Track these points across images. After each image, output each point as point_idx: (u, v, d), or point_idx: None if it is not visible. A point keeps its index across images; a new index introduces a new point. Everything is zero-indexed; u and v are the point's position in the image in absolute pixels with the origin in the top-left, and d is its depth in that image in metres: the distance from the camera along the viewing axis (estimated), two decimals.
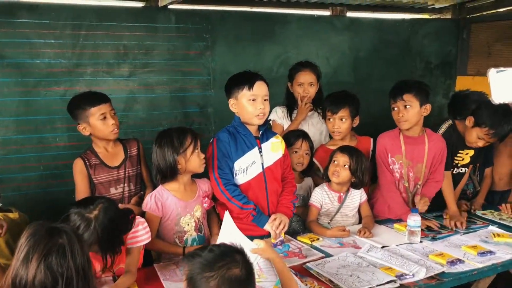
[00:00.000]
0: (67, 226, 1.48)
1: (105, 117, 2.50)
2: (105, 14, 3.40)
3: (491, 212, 3.06)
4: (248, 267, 1.47)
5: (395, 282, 2.06)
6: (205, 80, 3.79)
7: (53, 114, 3.30)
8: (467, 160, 3.09)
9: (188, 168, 2.35)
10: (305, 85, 3.17)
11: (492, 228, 2.76)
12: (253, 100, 2.43)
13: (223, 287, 1.39)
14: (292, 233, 2.72)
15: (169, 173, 2.33)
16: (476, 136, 2.87)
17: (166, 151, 2.30)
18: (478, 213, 3.04)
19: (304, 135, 2.92)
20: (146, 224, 2.19)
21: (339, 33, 4.30)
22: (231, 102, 2.50)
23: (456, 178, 3.09)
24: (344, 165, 2.71)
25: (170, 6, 3.59)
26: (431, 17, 5.03)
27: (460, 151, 3.05)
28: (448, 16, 4.93)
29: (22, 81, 3.22)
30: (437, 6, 4.86)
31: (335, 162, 2.73)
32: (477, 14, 4.75)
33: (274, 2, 4.18)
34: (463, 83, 4.72)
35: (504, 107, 2.81)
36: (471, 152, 3.07)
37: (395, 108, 2.82)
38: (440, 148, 2.90)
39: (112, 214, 1.96)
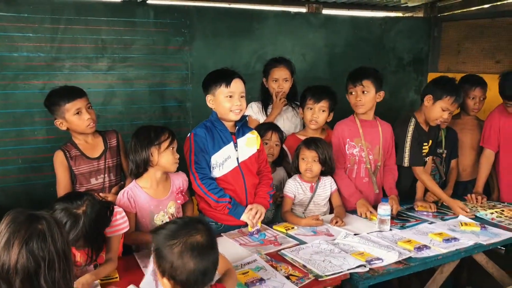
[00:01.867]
0: (46, 212, 1.52)
1: (80, 112, 2.54)
2: (84, 8, 3.42)
3: None
4: (210, 235, 1.57)
5: (365, 267, 2.17)
6: (183, 75, 3.85)
7: (32, 107, 3.31)
8: (427, 149, 3.24)
9: (160, 162, 2.37)
10: (280, 81, 3.27)
11: (462, 218, 2.89)
12: (230, 97, 2.51)
13: (185, 252, 1.49)
14: (267, 222, 2.82)
15: (142, 165, 2.37)
16: (441, 109, 3.03)
17: (142, 141, 2.34)
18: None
19: (274, 127, 3.03)
20: (124, 213, 2.24)
21: (315, 30, 4.39)
22: (209, 98, 2.58)
23: None
24: (314, 160, 2.82)
25: (148, 1, 3.64)
26: (404, 15, 5.18)
27: (424, 144, 3.19)
28: (420, 14, 5.08)
29: (0, 74, 3.22)
30: (410, 4, 5.01)
31: (304, 159, 2.83)
32: (448, 13, 4.91)
33: None
34: None
35: (447, 77, 3.17)
36: (430, 142, 3.22)
37: (353, 93, 2.98)
38: (390, 132, 3.13)
39: (97, 209, 2.02)
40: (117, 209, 2.24)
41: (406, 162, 3.11)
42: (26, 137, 3.36)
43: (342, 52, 4.53)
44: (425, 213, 3.01)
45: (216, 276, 1.71)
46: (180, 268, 1.49)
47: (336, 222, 2.70)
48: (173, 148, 2.40)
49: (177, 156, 2.42)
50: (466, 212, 2.94)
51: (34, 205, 2.16)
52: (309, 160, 2.82)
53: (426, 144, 3.19)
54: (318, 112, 3.05)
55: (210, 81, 2.57)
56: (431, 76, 5.05)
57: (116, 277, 2.10)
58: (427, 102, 3.07)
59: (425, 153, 3.22)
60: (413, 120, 3.16)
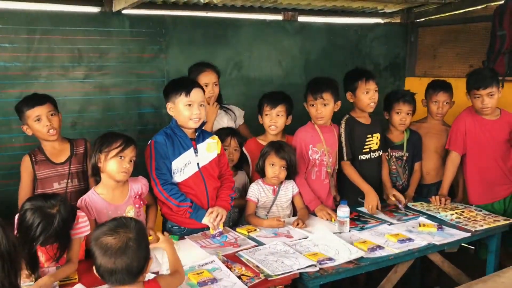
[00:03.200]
0: None
1: (40, 119, 2.64)
2: (60, 19, 3.52)
3: (421, 204, 3.30)
4: (127, 243, 1.69)
5: (315, 266, 2.26)
6: (159, 82, 3.94)
7: (9, 115, 3.37)
8: (378, 142, 3.34)
9: (105, 169, 2.45)
10: (210, 85, 3.21)
11: (421, 219, 2.97)
12: (189, 105, 2.61)
13: (95, 248, 1.70)
14: (232, 224, 2.90)
15: (93, 170, 2.49)
16: (364, 95, 3.20)
17: (95, 146, 2.46)
18: (409, 204, 3.27)
19: (233, 133, 3.11)
20: (86, 217, 2.34)
21: (291, 37, 4.49)
22: (169, 105, 2.68)
23: (375, 162, 3.34)
24: (282, 167, 2.92)
25: (124, 11, 3.72)
26: (383, 22, 5.27)
27: (368, 136, 3.29)
28: (398, 20, 5.18)
29: None
30: (387, 11, 5.11)
31: (273, 166, 2.91)
32: (424, 19, 5.00)
33: (228, 8, 4.34)
34: (411, 83, 4.98)
35: (354, 69, 3.45)
36: (379, 135, 3.33)
37: (314, 105, 3.08)
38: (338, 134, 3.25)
39: (68, 209, 2.14)
40: (80, 213, 2.34)
41: (345, 157, 3.22)
42: (4, 144, 3.46)
43: (317, 58, 4.62)
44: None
45: None
46: (94, 259, 1.72)
47: (298, 224, 2.79)
48: (122, 157, 2.44)
49: (126, 166, 2.45)
50: (373, 211, 3.08)
51: (11, 211, 2.28)
52: (277, 167, 2.91)
53: (370, 136, 3.29)
54: (275, 118, 3.14)
55: (170, 90, 2.67)
56: (409, 80, 5.16)
57: (75, 278, 2.19)
58: (351, 98, 3.25)
59: (374, 147, 3.31)
60: (344, 118, 3.27)
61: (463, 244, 4.14)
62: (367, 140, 3.28)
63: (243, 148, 3.19)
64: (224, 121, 3.37)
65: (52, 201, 2.09)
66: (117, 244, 1.67)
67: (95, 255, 1.70)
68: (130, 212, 2.55)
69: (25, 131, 2.70)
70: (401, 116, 3.38)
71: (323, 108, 3.05)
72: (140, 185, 2.62)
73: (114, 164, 2.44)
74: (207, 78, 3.21)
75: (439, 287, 3.62)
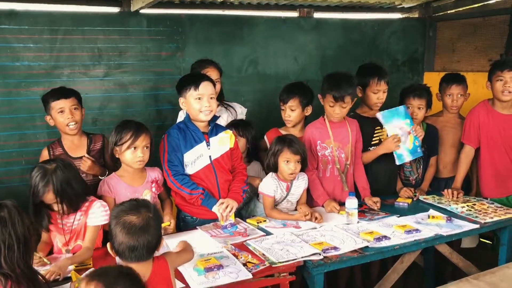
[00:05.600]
0: (9, 201, 1.74)
1: (63, 112, 2.78)
2: (80, 19, 3.68)
3: (433, 197, 3.29)
4: (148, 221, 1.80)
5: (320, 255, 2.31)
6: (176, 79, 3.93)
7: (33, 112, 3.57)
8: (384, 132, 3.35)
9: (122, 160, 2.62)
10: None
11: (432, 212, 2.98)
12: (199, 98, 2.69)
13: (117, 227, 1.79)
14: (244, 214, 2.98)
15: (112, 158, 2.65)
16: (372, 94, 3.27)
17: (111, 141, 2.63)
18: (421, 198, 3.28)
19: (240, 123, 3.22)
20: (107, 207, 2.47)
21: (306, 33, 4.53)
22: (181, 100, 2.77)
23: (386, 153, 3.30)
24: (297, 162, 2.90)
25: (141, 11, 3.85)
26: (402, 16, 5.25)
27: (377, 128, 3.32)
28: (416, 15, 5.15)
29: (4, 82, 3.50)
30: (405, 5, 5.09)
31: (288, 162, 2.87)
32: (442, 13, 4.97)
33: (244, 5, 4.42)
34: (430, 78, 4.95)
35: (366, 64, 3.54)
36: None
37: (332, 106, 3.04)
38: (357, 126, 3.24)
39: (67, 171, 2.31)
40: (101, 202, 2.49)
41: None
42: (29, 140, 3.63)
43: (334, 54, 4.65)
44: (401, 203, 3.16)
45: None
46: (114, 237, 1.80)
47: (316, 219, 2.80)
48: (135, 147, 2.59)
49: (139, 155, 2.59)
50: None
51: None
52: (293, 163, 2.87)
53: (379, 128, 3.32)
54: (289, 112, 3.20)
55: (181, 85, 2.77)
56: (427, 75, 5.13)
57: (90, 264, 2.30)
58: (359, 93, 3.29)
59: (381, 137, 3.33)
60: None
61: (481, 239, 4.14)
62: (375, 132, 3.31)
63: (265, 137, 3.29)
64: (223, 117, 3.36)
65: (52, 162, 2.33)
66: (140, 222, 1.79)
67: (115, 232, 1.79)
68: (147, 196, 2.70)
69: (48, 121, 2.86)
70: (412, 110, 3.38)
71: (341, 109, 3.03)
72: (156, 173, 2.79)
73: (129, 156, 2.61)
74: (210, 76, 3.17)
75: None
